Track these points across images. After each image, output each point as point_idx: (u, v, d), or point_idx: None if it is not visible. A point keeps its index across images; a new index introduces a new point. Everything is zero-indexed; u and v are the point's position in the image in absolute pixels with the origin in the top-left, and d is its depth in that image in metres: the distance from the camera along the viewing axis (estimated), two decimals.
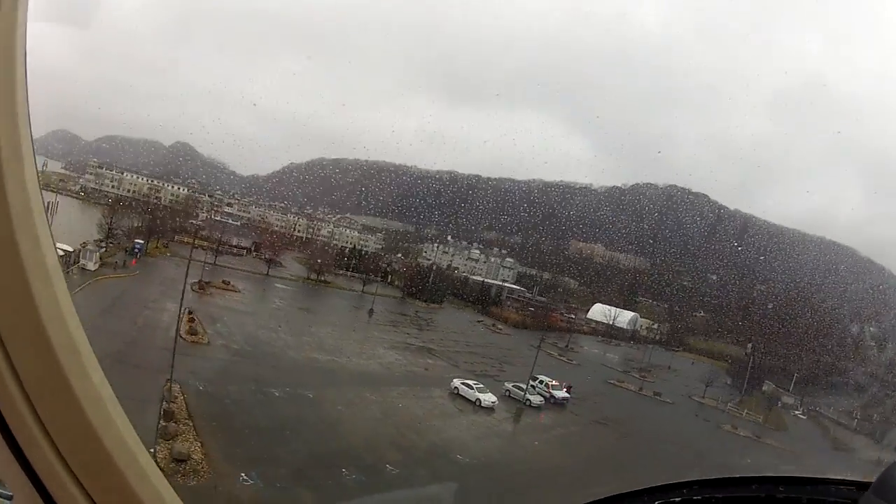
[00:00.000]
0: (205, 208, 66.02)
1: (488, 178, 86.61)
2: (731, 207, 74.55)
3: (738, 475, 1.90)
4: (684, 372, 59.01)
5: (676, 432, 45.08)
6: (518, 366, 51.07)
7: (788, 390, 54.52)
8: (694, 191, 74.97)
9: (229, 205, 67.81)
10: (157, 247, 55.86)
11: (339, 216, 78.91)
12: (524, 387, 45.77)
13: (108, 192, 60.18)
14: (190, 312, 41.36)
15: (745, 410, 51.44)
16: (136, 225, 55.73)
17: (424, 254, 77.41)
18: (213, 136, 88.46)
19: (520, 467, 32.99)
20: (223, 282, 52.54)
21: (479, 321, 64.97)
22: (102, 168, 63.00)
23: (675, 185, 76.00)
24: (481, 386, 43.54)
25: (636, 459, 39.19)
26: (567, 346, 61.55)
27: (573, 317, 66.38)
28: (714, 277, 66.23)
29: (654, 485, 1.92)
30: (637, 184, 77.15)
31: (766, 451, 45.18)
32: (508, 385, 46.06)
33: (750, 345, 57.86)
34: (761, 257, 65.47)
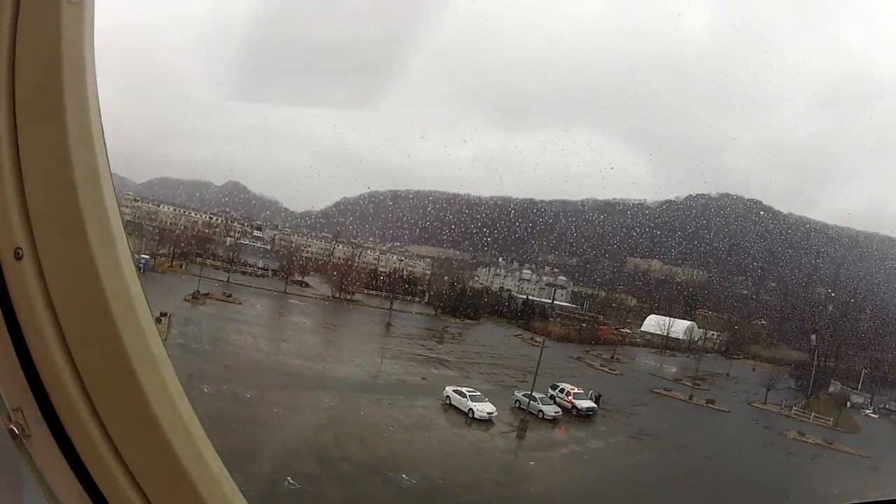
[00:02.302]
0: (234, 233, 66.09)
1: (541, 201, 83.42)
2: (785, 211, 71.93)
3: None
4: (744, 378, 51.63)
5: (730, 444, 36.95)
6: (546, 377, 43.11)
7: (857, 389, 49.83)
8: (747, 198, 72.78)
9: (258, 229, 67.55)
10: (170, 265, 55.96)
11: (388, 245, 76.65)
12: (538, 396, 37.97)
13: (142, 223, 61.93)
14: (163, 314, 39.18)
15: (813, 414, 44.89)
16: (157, 247, 56.52)
17: (468, 275, 73.65)
18: (265, 174, 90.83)
19: (484, 494, 25.77)
20: (224, 294, 50.43)
21: (516, 335, 58.39)
22: (139, 201, 65.47)
23: (728, 194, 73.98)
24: (477, 394, 36.47)
25: (671, 481, 30.28)
26: (613, 357, 53.93)
27: (627, 331, 61.12)
28: (773, 284, 63.70)
29: None
30: (690, 195, 75.25)
31: (840, 459, 37.63)
32: (518, 394, 38.44)
33: (813, 336, 53.42)
34: (818, 259, 62.81)
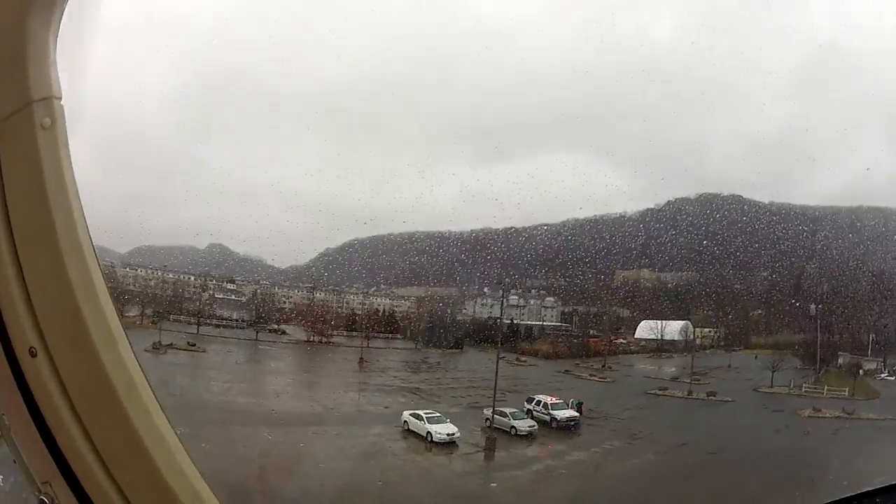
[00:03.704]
0: (208, 289, 64.59)
1: (522, 228, 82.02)
2: (766, 201, 68.99)
3: None
4: (746, 367, 48.48)
5: (738, 434, 33.00)
6: (528, 393, 39.42)
7: (867, 355, 48.28)
8: (726, 194, 70.14)
9: (231, 281, 65.93)
10: (139, 322, 54.18)
11: (371, 289, 74.79)
12: (509, 411, 33.97)
13: (117, 287, 60.85)
14: None
15: (826, 388, 42.20)
16: (126, 308, 55.09)
17: (454, 308, 71.51)
18: (247, 233, 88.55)
19: None
20: (189, 343, 48.23)
21: (501, 357, 53.95)
22: (114, 267, 64.70)
23: (707, 193, 71.35)
24: (436, 415, 32.78)
25: (668, 484, 26.00)
26: (604, 366, 51.03)
27: (621, 341, 59.06)
28: (764, 273, 62.10)
29: None
30: (669, 200, 72.00)
31: (867, 427, 34.89)
32: (487, 412, 34.42)
33: (813, 306, 51.86)
34: (806, 240, 60.93)
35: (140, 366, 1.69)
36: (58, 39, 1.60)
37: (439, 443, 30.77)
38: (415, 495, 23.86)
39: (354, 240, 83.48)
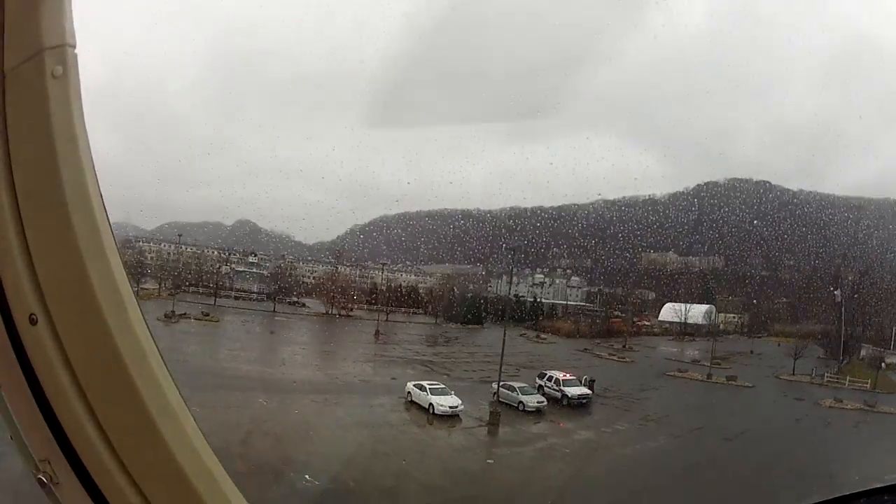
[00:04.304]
0: (227, 263, 64.90)
1: (550, 207, 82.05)
2: (795, 188, 70.35)
3: None
4: (768, 354, 46.93)
5: (757, 421, 31.07)
6: (542, 370, 37.65)
7: (890, 349, 46.66)
8: (756, 180, 71.39)
9: (253, 255, 66.03)
10: (157, 294, 54.64)
11: (398, 265, 74.21)
12: (517, 386, 32.27)
13: (137, 260, 61.73)
14: None
15: (848, 378, 41.27)
16: (144, 281, 55.68)
17: (479, 286, 71.26)
18: (275, 209, 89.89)
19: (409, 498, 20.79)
20: (202, 313, 48.55)
21: (521, 335, 53.10)
22: (139, 242, 65.61)
23: (737, 178, 72.83)
24: (440, 387, 31.47)
25: (680, 472, 23.90)
26: (625, 346, 49.30)
27: (644, 322, 59.11)
28: (790, 261, 62.99)
29: None
30: (699, 184, 73.58)
31: (889, 421, 33.56)
32: (496, 385, 32.78)
33: (838, 292, 51.17)
34: (832, 230, 61.22)
35: (151, 335, 1.49)
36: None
37: (441, 415, 29.40)
38: (402, 468, 22.47)
39: (383, 216, 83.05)
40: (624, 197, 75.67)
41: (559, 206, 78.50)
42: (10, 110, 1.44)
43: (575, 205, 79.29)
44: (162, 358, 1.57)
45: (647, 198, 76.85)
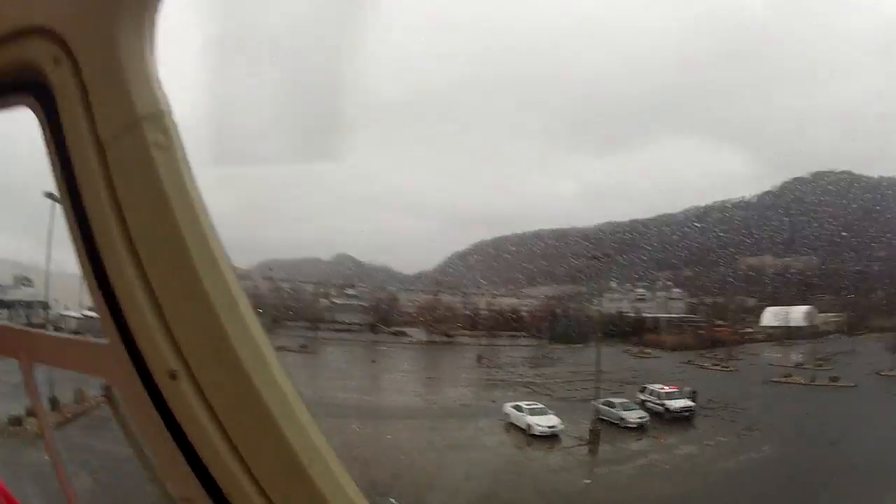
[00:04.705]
0: (327, 296, 68.07)
1: (645, 220, 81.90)
2: (876, 176, 67.68)
3: None
4: (868, 351, 43.90)
5: (860, 422, 28.67)
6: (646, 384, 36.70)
7: None
8: (838, 171, 68.48)
9: (351, 286, 68.93)
10: None
11: (500, 290, 75.42)
12: (617, 402, 31.59)
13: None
14: None
15: None
16: None
17: (581, 304, 71.02)
18: (373, 241, 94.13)
19: None
20: (300, 346, 50.64)
21: (625, 351, 52.54)
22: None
23: (821, 171, 70.67)
24: (540, 407, 31.27)
25: (786, 482, 22.53)
26: (728, 355, 47.60)
27: (748, 330, 56.77)
28: (882, 252, 60.49)
29: None
30: (786, 181, 72.55)
31: None
32: (597, 403, 32.25)
33: None
34: None
35: (289, 377, 1.50)
36: (154, 55, 1.53)
37: (540, 436, 29.23)
38: (493, 490, 22.62)
39: (480, 242, 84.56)
40: (715, 202, 75.10)
41: (653, 217, 76.70)
42: (118, 182, 1.52)
43: (667, 215, 77.24)
44: (305, 405, 1.63)
45: (738, 201, 75.13)
